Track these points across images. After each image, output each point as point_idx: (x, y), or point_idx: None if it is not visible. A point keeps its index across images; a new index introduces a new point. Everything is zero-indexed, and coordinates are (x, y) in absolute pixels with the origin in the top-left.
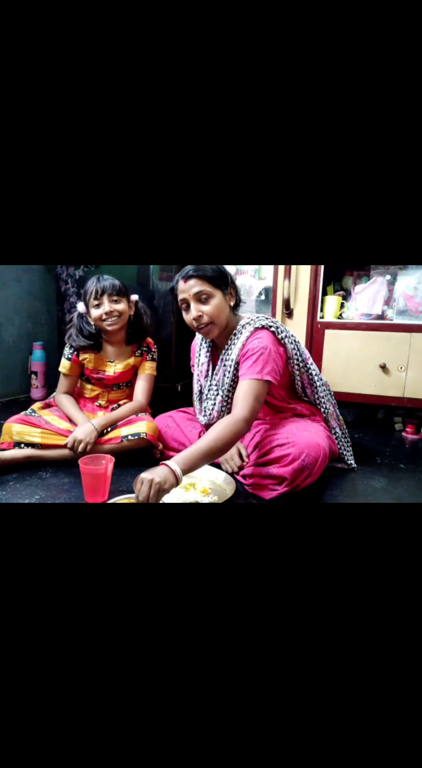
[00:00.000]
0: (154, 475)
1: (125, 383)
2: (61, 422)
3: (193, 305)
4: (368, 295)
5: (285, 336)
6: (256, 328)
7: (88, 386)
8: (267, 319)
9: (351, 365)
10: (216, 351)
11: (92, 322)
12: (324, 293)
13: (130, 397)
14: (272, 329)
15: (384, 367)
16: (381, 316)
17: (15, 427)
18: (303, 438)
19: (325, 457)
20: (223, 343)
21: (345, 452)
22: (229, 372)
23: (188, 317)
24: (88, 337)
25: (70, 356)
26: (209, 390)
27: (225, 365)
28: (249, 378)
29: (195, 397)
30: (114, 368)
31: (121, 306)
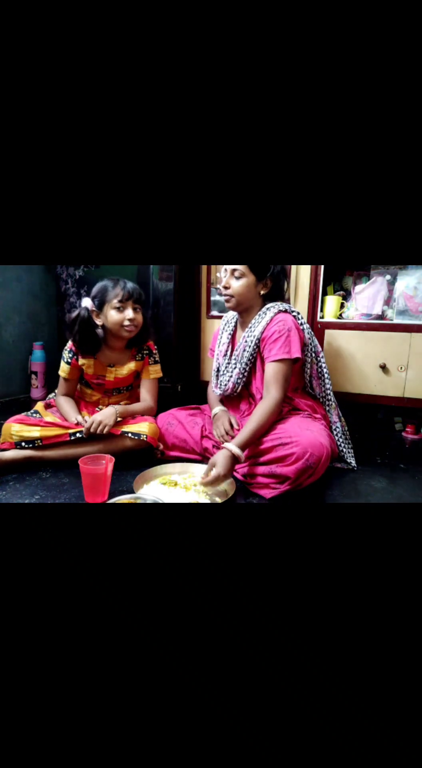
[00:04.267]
0: (217, 464)
1: (125, 387)
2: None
3: (226, 276)
4: (368, 295)
5: (303, 323)
6: (279, 311)
7: (88, 391)
8: (288, 305)
9: (351, 365)
10: (236, 335)
11: (100, 323)
12: (324, 293)
13: (131, 400)
14: (293, 314)
15: (384, 367)
16: (381, 316)
17: (14, 427)
18: (307, 437)
19: (328, 457)
20: (247, 324)
21: (345, 450)
22: (249, 347)
23: (220, 284)
24: (94, 339)
25: (69, 360)
26: (227, 365)
27: (246, 341)
28: (278, 358)
29: (213, 374)
30: (114, 373)
31: (140, 316)
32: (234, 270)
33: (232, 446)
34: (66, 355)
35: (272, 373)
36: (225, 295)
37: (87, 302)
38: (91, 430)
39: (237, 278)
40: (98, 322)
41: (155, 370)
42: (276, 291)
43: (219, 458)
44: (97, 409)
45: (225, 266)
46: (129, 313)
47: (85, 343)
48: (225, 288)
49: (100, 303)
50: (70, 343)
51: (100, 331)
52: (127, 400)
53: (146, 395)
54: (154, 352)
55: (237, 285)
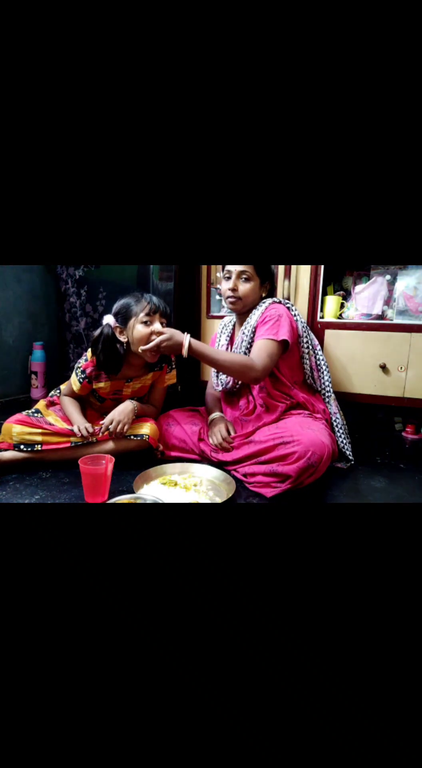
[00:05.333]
0: (168, 333)
1: (140, 398)
2: (64, 424)
3: (233, 279)
4: (368, 295)
5: (297, 315)
6: (273, 302)
7: (98, 404)
8: (282, 299)
9: (351, 365)
10: (234, 335)
11: (125, 340)
12: (324, 293)
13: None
14: (287, 305)
15: (384, 367)
16: (381, 316)
17: (15, 428)
18: (308, 436)
19: (329, 456)
20: (244, 320)
21: (344, 443)
22: (247, 337)
23: (225, 286)
24: (118, 358)
25: (81, 380)
26: None
27: (243, 333)
28: (264, 337)
29: (212, 372)
30: (131, 388)
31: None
32: (242, 273)
33: (187, 336)
34: (79, 373)
35: (256, 348)
36: (233, 297)
37: (109, 319)
38: (111, 429)
39: (246, 281)
40: (122, 338)
41: (171, 377)
42: (272, 293)
43: (174, 332)
44: (102, 415)
45: (229, 269)
46: (157, 326)
47: (109, 361)
48: (233, 290)
49: (125, 318)
50: (84, 362)
51: (119, 346)
52: None
53: (155, 400)
54: (172, 359)
55: (245, 288)
